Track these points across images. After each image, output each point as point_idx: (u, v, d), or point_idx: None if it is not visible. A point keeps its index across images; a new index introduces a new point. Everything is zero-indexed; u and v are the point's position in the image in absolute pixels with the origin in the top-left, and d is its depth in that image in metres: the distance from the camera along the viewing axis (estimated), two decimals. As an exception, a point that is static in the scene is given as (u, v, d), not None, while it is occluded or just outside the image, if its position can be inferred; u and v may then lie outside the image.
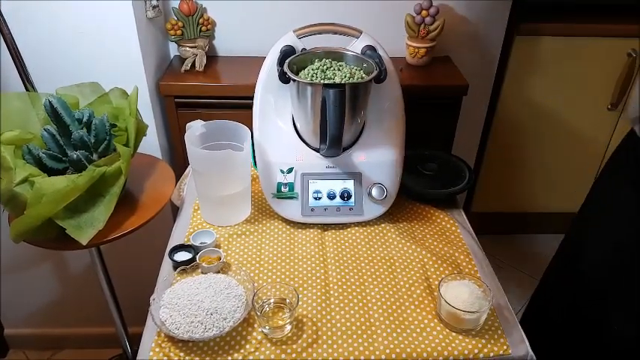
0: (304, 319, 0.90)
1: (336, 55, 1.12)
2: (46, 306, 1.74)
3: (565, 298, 1.08)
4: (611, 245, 0.96)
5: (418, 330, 0.89)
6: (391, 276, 0.99)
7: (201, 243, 1.03)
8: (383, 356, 0.84)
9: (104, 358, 1.74)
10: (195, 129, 1.08)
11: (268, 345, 0.85)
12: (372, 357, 0.84)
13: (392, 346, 0.85)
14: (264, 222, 1.12)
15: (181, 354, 0.84)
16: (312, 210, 1.10)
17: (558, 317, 1.09)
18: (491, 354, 0.85)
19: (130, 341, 1.49)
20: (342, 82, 1.02)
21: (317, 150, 1.11)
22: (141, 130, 1.13)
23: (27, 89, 1.14)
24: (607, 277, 0.96)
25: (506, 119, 1.95)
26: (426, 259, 1.03)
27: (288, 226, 1.11)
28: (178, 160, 1.51)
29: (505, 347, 0.86)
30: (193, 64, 1.45)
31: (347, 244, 1.07)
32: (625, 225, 0.94)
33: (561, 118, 1.95)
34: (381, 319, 0.90)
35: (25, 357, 1.83)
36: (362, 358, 0.84)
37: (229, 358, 0.83)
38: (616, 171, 0.99)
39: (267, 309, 0.90)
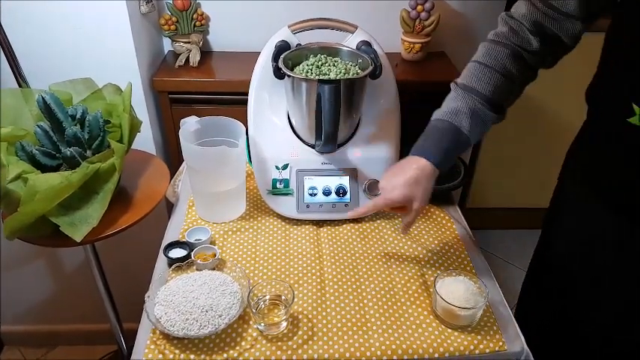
0: (300, 316, 0.90)
1: (331, 51, 1.12)
2: (41, 303, 1.74)
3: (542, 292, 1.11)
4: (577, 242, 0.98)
5: (414, 326, 0.89)
6: (387, 272, 0.99)
7: (196, 240, 1.03)
8: (378, 352, 0.84)
9: (99, 354, 1.74)
10: (189, 125, 1.07)
11: (264, 342, 0.85)
12: (368, 353, 0.84)
13: (387, 342, 0.85)
14: (259, 218, 1.12)
15: (176, 351, 0.83)
16: (308, 206, 1.09)
17: (539, 312, 1.10)
18: (487, 350, 0.85)
19: (125, 338, 1.48)
20: (338, 77, 1.02)
21: (312, 146, 1.11)
22: (135, 127, 1.13)
23: (20, 85, 1.13)
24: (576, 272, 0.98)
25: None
26: (421, 256, 1.03)
27: (283, 223, 1.11)
28: (173, 156, 1.50)
29: (501, 343, 0.86)
30: (187, 60, 1.44)
31: (342, 240, 1.07)
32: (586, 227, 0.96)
33: (556, 114, 1.96)
34: (377, 315, 0.90)
35: (20, 354, 1.82)
36: (357, 354, 0.84)
37: (225, 355, 0.83)
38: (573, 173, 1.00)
39: (263, 306, 0.90)
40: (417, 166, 0.90)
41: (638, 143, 0.79)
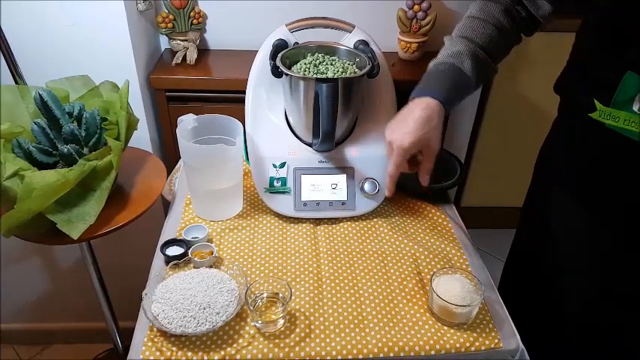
0: (297, 314, 0.90)
1: (329, 50, 1.12)
2: (36, 301, 1.73)
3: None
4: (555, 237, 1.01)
5: (410, 324, 0.89)
6: (383, 270, 1.00)
7: (193, 238, 1.03)
8: (375, 350, 0.84)
9: (95, 353, 1.74)
10: (187, 123, 1.07)
11: (261, 339, 0.85)
12: (365, 350, 0.84)
13: (384, 340, 0.86)
14: (256, 216, 1.12)
15: (174, 349, 0.83)
16: (305, 204, 1.10)
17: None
18: (483, 347, 0.86)
19: (121, 336, 1.48)
20: (335, 76, 1.02)
21: (309, 144, 1.11)
22: (132, 124, 1.13)
23: (16, 82, 1.13)
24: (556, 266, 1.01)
25: (496, 114, 1.96)
26: (417, 254, 1.04)
27: (280, 221, 1.11)
28: (169, 154, 1.50)
29: (496, 341, 0.87)
30: (184, 58, 1.44)
31: (339, 238, 1.07)
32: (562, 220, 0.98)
33: (549, 113, 1.97)
34: (374, 313, 0.91)
35: (15, 352, 1.82)
36: (354, 351, 0.84)
37: (222, 352, 0.83)
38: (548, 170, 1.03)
39: (260, 303, 0.90)
40: (424, 106, 0.86)
41: (600, 138, 0.81)
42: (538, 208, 1.03)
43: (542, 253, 1.01)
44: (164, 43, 1.52)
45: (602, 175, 0.85)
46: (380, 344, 0.85)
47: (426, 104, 0.86)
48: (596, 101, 0.79)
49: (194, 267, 0.96)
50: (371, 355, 0.84)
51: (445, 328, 0.89)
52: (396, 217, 1.14)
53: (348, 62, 1.10)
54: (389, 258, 1.03)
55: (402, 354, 0.84)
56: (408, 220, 1.14)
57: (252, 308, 0.87)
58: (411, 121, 0.86)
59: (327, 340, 0.86)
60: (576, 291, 0.96)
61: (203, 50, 1.52)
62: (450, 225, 1.13)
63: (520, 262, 1.10)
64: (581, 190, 0.90)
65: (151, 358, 0.82)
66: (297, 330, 0.87)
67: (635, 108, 0.75)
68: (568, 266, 0.96)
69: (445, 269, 0.94)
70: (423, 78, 0.92)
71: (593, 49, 0.81)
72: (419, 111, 0.86)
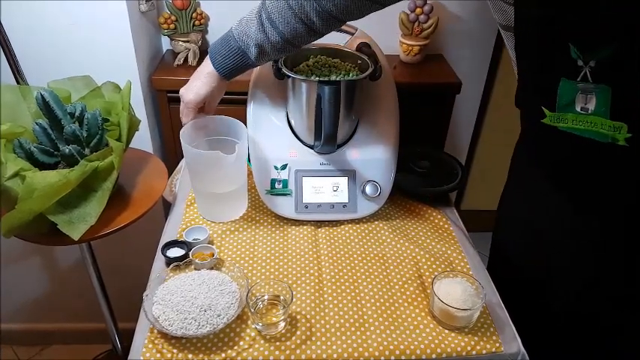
0: (298, 316, 0.90)
1: (331, 52, 1.12)
2: (35, 301, 1.73)
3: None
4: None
5: (411, 327, 0.89)
6: (384, 273, 1.00)
7: (194, 239, 1.03)
8: (376, 353, 0.84)
9: (94, 354, 1.73)
10: (190, 124, 1.07)
11: (262, 342, 0.85)
12: (366, 354, 0.84)
13: (385, 343, 0.86)
14: (257, 218, 1.12)
15: (174, 350, 0.83)
16: (306, 207, 1.10)
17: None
18: (484, 351, 0.86)
19: (120, 337, 1.48)
20: (338, 79, 1.02)
21: (311, 147, 1.11)
22: (133, 125, 1.12)
23: (18, 82, 1.13)
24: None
25: (497, 117, 1.96)
26: (419, 257, 1.04)
27: (281, 223, 1.11)
28: (170, 155, 1.50)
29: (497, 344, 0.87)
30: (186, 59, 1.44)
31: (340, 241, 1.07)
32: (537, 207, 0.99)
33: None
34: (375, 316, 0.91)
35: (14, 353, 1.81)
36: (355, 354, 0.84)
37: (223, 354, 0.83)
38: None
39: (261, 306, 0.90)
40: (209, 71, 1.03)
41: (558, 140, 0.83)
42: (518, 210, 1.04)
43: (528, 255, 1.02)
44: (166, 44, 1.52)
45: (573, 176, 0.87)
46: (381, 347, 0.85)
47: (210, 74, 1.03)
48: (543, 108, 0.80)
49: (195, 269, 0.96)
50: (372, 358, 0.84)
51: (446, 331, 0.89)
52: (398, 220, 1.14)
53: (350, 65, 1.10)
54: (390, 261, 1.03)
55: (402, 357, 0.84)
56: (410, 223, 1.14)
57: (253, 310, 0.87)
58: (199, 82, 1.04)
59: (328, 342, 0.86)
60: (568, 292, 0.96)
61: (205, 51, 1.51)
62: (451, 228, 1.13)
63: (503, 265, 1.10)
64: (556, 192, 0.91)
65: (152, 359, 0.82)
66: (298, 332, 0.87)
67: (577, 108, 0.77)
68: (558, 268, 0.96)
69: (446, 272, 0.94)
70: (223, 39, 1.02)
71: (528, 57, 0.83)
72: (205, 75, 1.03)
